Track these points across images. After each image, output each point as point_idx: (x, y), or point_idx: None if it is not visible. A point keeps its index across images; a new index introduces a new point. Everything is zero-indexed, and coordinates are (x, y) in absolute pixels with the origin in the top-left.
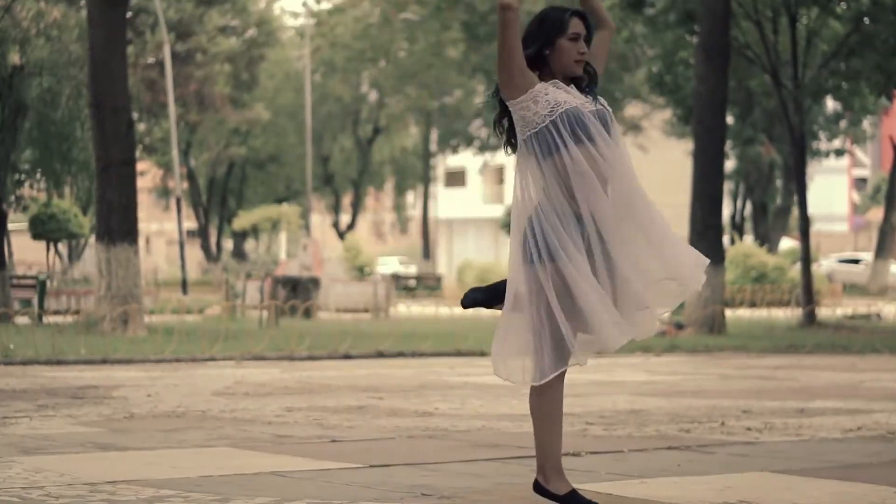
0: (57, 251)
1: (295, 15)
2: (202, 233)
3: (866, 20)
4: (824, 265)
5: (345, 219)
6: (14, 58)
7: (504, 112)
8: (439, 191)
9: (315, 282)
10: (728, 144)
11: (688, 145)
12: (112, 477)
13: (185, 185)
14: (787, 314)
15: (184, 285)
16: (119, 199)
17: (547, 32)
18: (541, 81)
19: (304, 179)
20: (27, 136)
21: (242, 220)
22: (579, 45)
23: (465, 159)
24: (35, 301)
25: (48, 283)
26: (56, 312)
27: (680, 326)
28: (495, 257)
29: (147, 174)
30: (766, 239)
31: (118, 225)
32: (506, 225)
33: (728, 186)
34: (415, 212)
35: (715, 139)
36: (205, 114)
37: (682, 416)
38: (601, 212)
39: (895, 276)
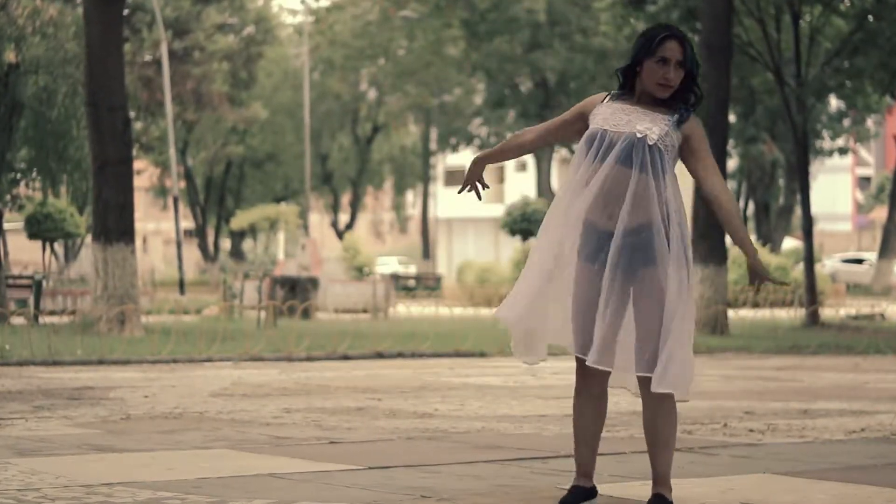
0: (53, 251)
1: (293, 12)
2: (200, 232)
3: (870, 17)
4: (827, 265)
5: (343, 218)
6: (10, 56)
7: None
8: (439, 190)
9: (313, 282)
10: (730, 143)
11: None
12: (109, 479)
13: (183, 184)
14: (791, 314)
15: (181, 285)
16: (116, 198)
17: (637, 50)
18: (605, 101)
19: (302, 178)
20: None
21: (240, 220)
22: (666, 70)
23: (465, 158)
24: (31, 301)
25: (44, 283)
26: (52, 313)
27: None
28: (495, 257)
29: (144, 173)
30: (769, 238)
31: (115, 224)
32: (506, 225)
33: (730, 185)
34: (414, 211)
35: (717, 138)
36: (202, 112)
37: (685, 417)
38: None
39: None
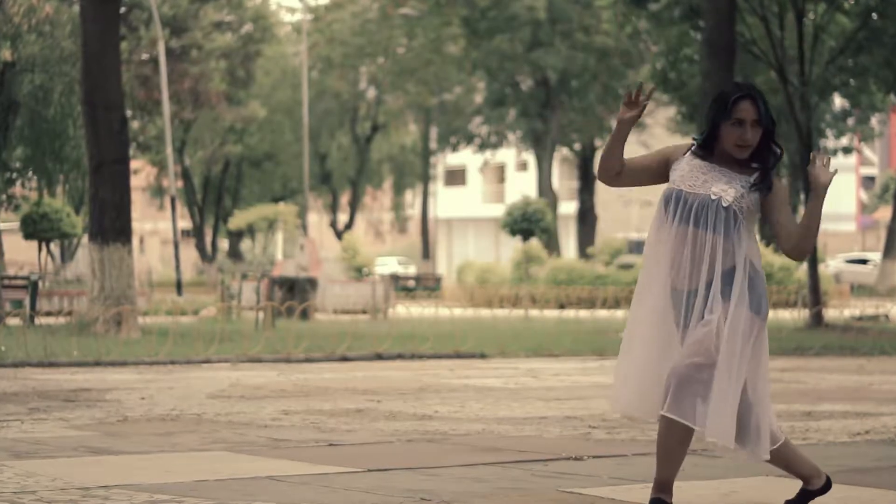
0: (49, 251)
1: (292, 10)
2: (197, 232)
3: (874, 16)
4: (831, 265)
5: (342, 218)
6: (5, 54)
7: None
8: (439, 190)
9: (312, 282)
10: None
11: None
12: (105, 481)
13: (180, 183)
14: (794, 315)
15: (178, 286)
16: (112, 198)
17: (713, 115)
18: (687, 155)
19: (300, 178)
20: (18, 134)
21: (238, 220)
22: (742, 131)
23: (465, 157)
24: (27, 302)
25: (40, 284)
26: (48, 314)
27: None
28: (496, 257)
29: (141, 172)
30: (773, 239)
31: (111, 224)
32: (506, 225)
33: None
34: (414, 211)
35: None
36: (200, 111)
37: None
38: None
39: None
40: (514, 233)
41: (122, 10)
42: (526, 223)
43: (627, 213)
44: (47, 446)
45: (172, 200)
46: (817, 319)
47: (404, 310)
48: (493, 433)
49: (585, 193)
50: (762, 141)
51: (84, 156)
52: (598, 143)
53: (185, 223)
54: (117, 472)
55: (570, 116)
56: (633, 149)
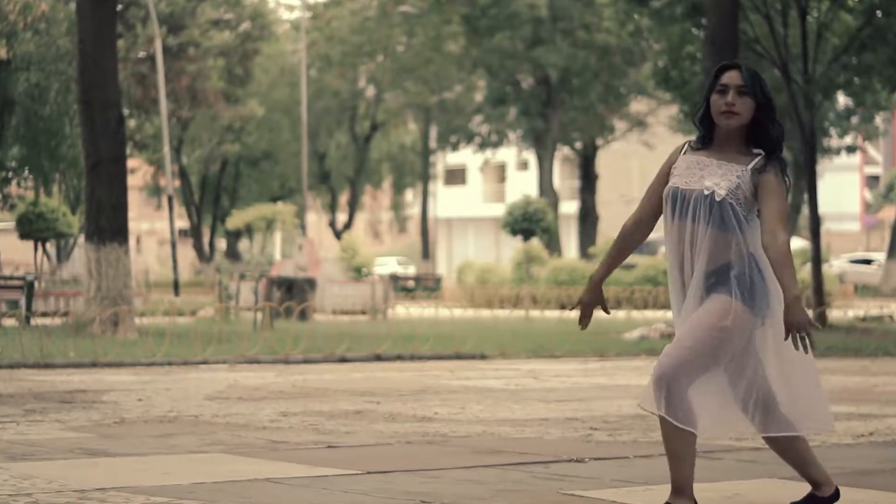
0: (45, 251)
1: (290, 8)
2: (195, 232)
3: (879, 13)
4: (835, 265)
5: (341, 218)
6: (1, 52)
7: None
8: (439, 189)
9: (311, 283)
10: None
11: None
12: (102, 484)
13: (177, 183)
14: None
15: (176, 286)
16: (109, 197)
17: (706, 93)
18: (684, 152)
19: (299, 177)
20: (14, 133)
21: (236, 219)
22: (726, 97)
23: (466, 157)
24: (22, 302)
25: (36, 284)
26: (44, 314)
27: None
28: (496, 257)
29: (138, 172)
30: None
31: (108, 224)
32: (507, 225)
33: None
34: (413, 211)
35: None
36: (197, 110)
37: None
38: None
39: None
40: (514, 233)
41: (119, 7)
42: (526, 223)
43: (629, 212)
44: (43, 448)
45: (170, 200)
46: (821, 320)
47: (404, 310)
48: (493, 435)
49: (587, 193)
50: (760, 119)
51: (80, 155)
52: (599, 142)
53: (182, 223)
54: (114, 475)
55: (571, 115)
56: (635, 148)
